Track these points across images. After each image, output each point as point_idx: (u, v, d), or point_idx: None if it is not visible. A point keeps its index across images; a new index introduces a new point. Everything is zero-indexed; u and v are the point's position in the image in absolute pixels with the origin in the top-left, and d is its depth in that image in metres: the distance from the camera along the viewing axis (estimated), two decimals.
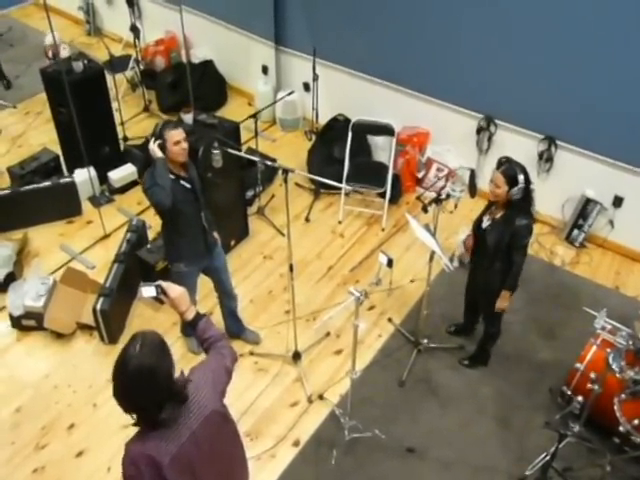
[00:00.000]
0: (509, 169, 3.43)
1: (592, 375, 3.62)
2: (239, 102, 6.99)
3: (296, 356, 4.27)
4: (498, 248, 3.61)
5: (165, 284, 2.37)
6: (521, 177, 3.40)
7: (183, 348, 4.31)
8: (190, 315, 2.40)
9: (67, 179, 5.31)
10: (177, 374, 2.17)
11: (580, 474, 3.64)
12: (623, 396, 3.42)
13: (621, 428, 3.45)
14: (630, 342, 3.49)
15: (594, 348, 3.75)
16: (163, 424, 2.07)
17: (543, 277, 4.97)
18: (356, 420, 3.79)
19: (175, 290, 2.37)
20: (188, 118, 4.62)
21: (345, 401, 3.83)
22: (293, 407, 4.03)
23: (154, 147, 3.41)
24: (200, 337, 2.43)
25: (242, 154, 3.77)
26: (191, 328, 2.45)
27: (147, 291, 2.36)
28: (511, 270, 3.63)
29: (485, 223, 3.70)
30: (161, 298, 2.38)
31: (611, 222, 5.15)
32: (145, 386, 1.99)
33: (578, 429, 3.60)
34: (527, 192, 3.46)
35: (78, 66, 5.20)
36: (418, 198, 3.92)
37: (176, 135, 3.39)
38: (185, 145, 3.43)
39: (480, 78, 5.17)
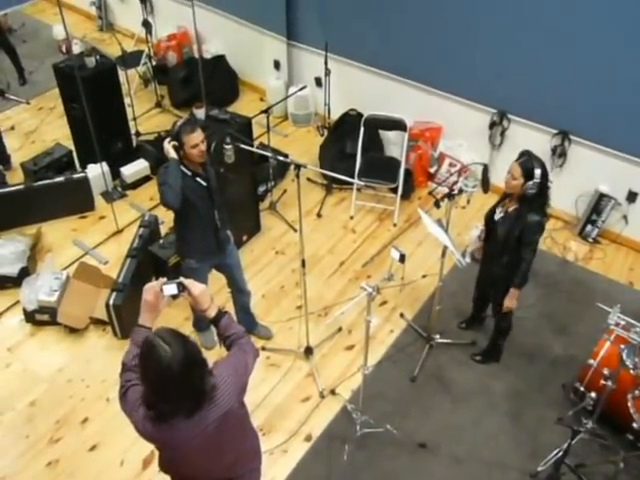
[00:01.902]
0: (527, 162, 3.41)
1: (605, 371, 3.58)
2: (251, 97, 6.99)
3: (308, 351, 4.28)
4: (507, 241, 3.59)
5: (187, 281, 2.36)
6: (538, 172, 3.37)
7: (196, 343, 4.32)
8: (212, 312, 2.41)
9: (80, 174, 5.33)
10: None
11: (593, 470, 3.62)
12: (637, 392, 3.39)
13: (635, 425, 3.43)
14: None
15: (607, 344, 3.73)
16: (208, 396, 2.11)
17: (556, 272, 4.94)
18: (368, 415, 3.79)
19: (197, 287, 2.36)
20: (200, 113, 4.61)
21: (357, 396, 3.83)
22: (305, 402, 4.04)
23: (169, 147, 3.38)
24: (222, 334, 2.43)
25: (254, 149, 3.76)
26: (213, 325, 2.45)
27: (168, 289, 2.33)
28: (519, 267, 3.60)
29: (497, 215, 3.68)
30: (181, 295, 2.37)
31: (625, 217, 5.10)
32: (193, 373, 2.04)
33: (591, 425, 3.58)
34: (543, 189, 3.43)
35: (91, 62, 5.22)
36: (430, 193, 3.92)
37: (194, 138, 3.35)
38: (203, 147, 3.40)
39: (493, 72, 5.13)
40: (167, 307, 4.63)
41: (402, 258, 3.13)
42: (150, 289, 2.34)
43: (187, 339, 2.10)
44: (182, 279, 2.37)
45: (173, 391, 2.05)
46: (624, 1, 4.30)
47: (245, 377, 2.33)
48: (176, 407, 2.08)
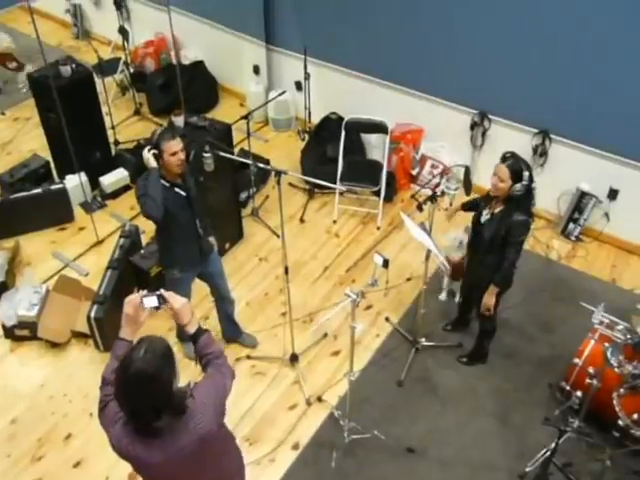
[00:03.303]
0: (515, 164, 3.39)
1: (590, 370, 3.60)
2: (231, 103, 6.95)
3: (293, 358, 4.24)
4: (493, 242, 3.58)
5: (167, 294, 2.31)
6: (526, 174, 3.37)
7: (179, 354, 4.27)
8: (192, 328, 2.36)
9: (58, 185, 5.26)
10: (182, 384, 2.14)
11: (581, 469, 3.63)
12: (622, 390, 3.40)
13: (620, 422, 3.44)
14: (628, 336, 3.47)
15: (592, 343, 3.74)
16: (156, 433, 2.04)
17: (540, 272, 4.95)
18: (355, 421, 3.76)
19: (178, 301, 2.32)
20: (179, 121, 4.57)
21: (344, 403, 3.80)
22: (292, 410, 4.01)
23: (149, 156, 3.33)
24: (200, 352, 2.37)
25: (234, 157, 3.72)
26: (192, 342, 2.39)
27: (149, 301, 2.29)
28: (502, 266, 3.59)
29: (484, 217, 3.67)
30: (162, 308, 2.33)
31: (607, 215, 5.13)
32: (143, 391, 1.98)
33: (577, 424, 3.59)
34: (529, 190, 3.43)
35: (66, 70, 5.15)
36: (413, 197, 3.89)
37: (173, 146, 3.31)
38: (182, 156, 3.36)
39: (473, 73, 5.14)
40: (150, 318, 4.58)
41: (385, 263, 3.11)
42: (130, 302, 2.30)
43: (168, 366, 2.04)
44: (162, 291, 2.33)
45: (121, 396, 2.00)
46: (602, 2, 4.32)
47: (224, 399, 2.28)
48: (147, 418, 2.02)
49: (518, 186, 3.38)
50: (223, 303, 4.18)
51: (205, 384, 2.25)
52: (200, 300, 4.50)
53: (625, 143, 4.70)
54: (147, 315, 2.32)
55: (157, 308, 2.34)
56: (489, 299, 3.72)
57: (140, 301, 2.28)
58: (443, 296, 4.71)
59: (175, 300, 2.31)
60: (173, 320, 2.39)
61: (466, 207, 3.90)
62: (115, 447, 2.13)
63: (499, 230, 3.51)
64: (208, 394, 2.19)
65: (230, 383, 2.36)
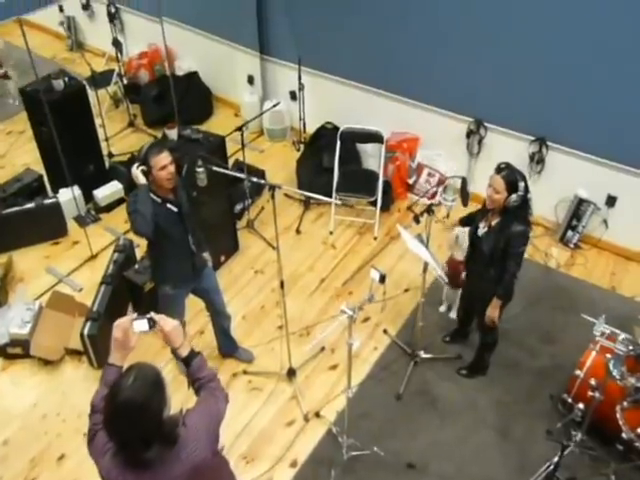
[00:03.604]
0: (510, 175, 3.34)
1: (592, 382, 3.54)
2: (226, 113, 6.92)
3: (291, 373, 4.18)
4: (493, 255, 3.53)
5: (158, 317, 2.25)
6: (521, 184, 3.32)
7: (175, 371, 4.20)
8: (184, 351, 2.29)
9: (51, 199, 5.21)
10: (174, 411, 2.07)
11: None
12: (625, 404, 3.34)
13: (624, 435, 3.37)
14: (630, 347, 3.41)
15: (593, 354, 3.68)
16: (147, 464, 1.97)
17: (539, 280, 4.89)
18: (354, 437, 3.70)
19: (169, 324, 2.25)
20: (172, 134, 4.53)
21: (342, 418, 3.73)
22: (289, 426, 3.94)
23: (137, 173, 3.25)
24: (192, 376, 2.31)
25: (227, 171, 3.67)
26: (184, 365, 2.32)
27: (139, 325, 2.23)
28: (503, 278, 3.55)
29: (481, 230, 3.61)
30: (153, 331, 2.26)
31: (605, 222, 5.08)
32: (131, 422, 1.91)
33: (580, 437, 3.52)
34: (525, 200, 3.38)
35: (59, 84, 5.11)
36: (409, 208, 3.84)
37: (162, 160, 3.25)
38: (172, 169, 3.29)
39: (468, 81, 5.10)
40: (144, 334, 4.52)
41: (382, 279, 3.05)
42: (119, 326, 2.23)
43: (158, 395, 1.97)
44: (153, 314, 2.27)
45: (109, 424, 1.93)
46: (596, 8, 4.29)
47: (218, 426, 2.21)
48: (137, 448, 1.95)
49: (514, 197, 3.33)
50: (219, 318, 4.12)
51: (198, 410, 2.18)
52: (195, 314, 4.44)
53: (623, 149, 4.66)
54: (137, 339, 2.25)
55: (150, 330, 2.28)
56: (493, 312, 3.66)
57: (130, 325, 2.22)
58: (443, 308, 4.65)
59: (166, 323, 2.25)
60: (165, 343, 2.32)
61: (464, 222, 3.84)
62: (105, 479, 2.06)
63: (498, 242, 3.46)
64: (201, 421, 2.12)
65: (224, 407, 2.30)
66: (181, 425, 2.04)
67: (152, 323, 2.24)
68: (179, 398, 2.16)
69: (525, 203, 3.41)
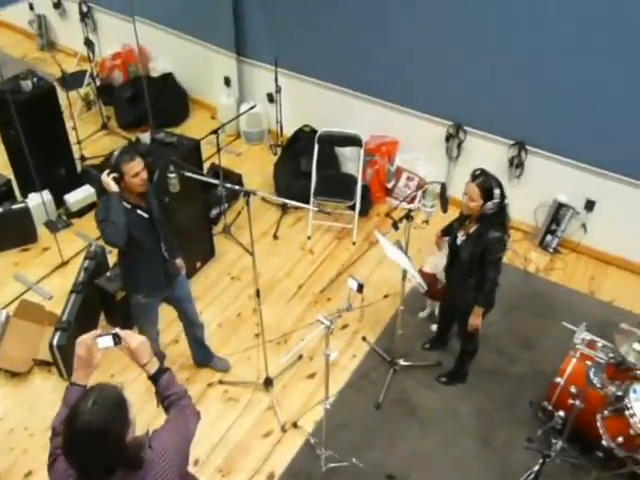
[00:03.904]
0: (485, 182, 3.29)
1: (573, 389, 3.51)
2: (202, 116, 6.79)
3: (268, 382, 4.09)
4: (472, 263, 3.49)
5: (123, 333, 2.14)
6: (497, 191, 3.27)
7: (146, 383, 4.01)
8: (152, 369, 2.18)
9: (20, 204, 5.05)
10: (139, 433, 1.95)
11: None
12: (606, 413, 3.30)
13: (604, 443, 3.34)
14: (610, 355, 3.38)
15: (574, 361, 3.64)
16: None
17: (518, 286, 4.86)
18: (332, 448, 3.61)
19: (135, 340, 2.14)
20: (145, 137, 4.41)
21: (320, 429, 3.64)
22: (266, 437, 3.85)
23: (108, 180, 3.15)
24: (161, 394, 2.19)
25: (200, 177, 3.56)
26: (152, 382, 2.21)
27: (103, 341, 2.12)
28: (483, 286, 3.50)
29: (460, 239, 3.56)
30: (118, 347, 2.15)
31: (584, 226, 5.07)
32: (90, 448, 1.79)
33: (561, 445, 3.48)
34: (502, 207, 3.33)
35: (27, 85, 4.94)
36: (388, 215, 3.77)
37: (135, 167, 3.15)
38: (145, 175, 3.21)
39: (447, 84, 5.06)
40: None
41: (360, 288, 2.98)
42: (82, 343, 2.11)
43: (119, 418, 1.85)
44: (118, 330, 2.16)
45: (69, 450, 1.80)
46: (574, 11, 4.26)
47: (188, 446, 2.10)
48: (98, 475, 1.83)
49: (490, 204, 3.28)
50: (192, 327, 4.01)
51: (166, 431, 2.07)
52: (169, 323, 4.31)
53: (602, 154, 4.65)
54: (101, 357, 2.14)
55: (114, 346, 2.18)
56: (476, 320, 3.61)
57: (93, 341, 2.11)
58: (424, 314, 4.57)
59: (132, 339, 2.14)
60: (131, 359, 2.21)
61: (445, 232, 3.78)
62: None
63: (476, 249, 3.41)
64: (169, 442, 2.01)
65: (194, 426, 2.19)
66: (147, 448, 1.93)
67: (117, 339, 2.14)
68: (150, 412, 2.04)
69: (502, 210, 3.36)
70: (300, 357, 4.30)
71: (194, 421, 2.20)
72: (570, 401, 3.42)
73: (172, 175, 3.49)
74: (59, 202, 5.38)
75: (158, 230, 3.40)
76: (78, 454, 1.80)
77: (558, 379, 3.64)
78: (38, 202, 5.08)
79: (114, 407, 1.84)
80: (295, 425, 3.90)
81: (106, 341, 2.12)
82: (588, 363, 3.49)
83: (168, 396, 2.19)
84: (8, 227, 4.98)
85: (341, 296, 4.62)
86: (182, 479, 2.06)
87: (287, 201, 3.50)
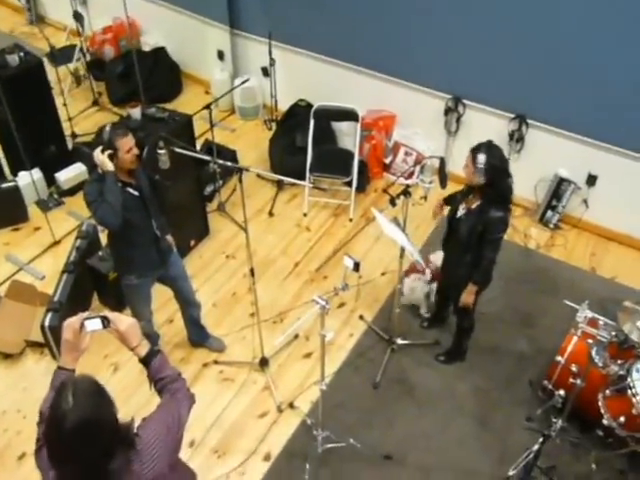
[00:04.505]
0: (476, 148, 3.24)
1: (574, 368, 3.46)
2: (195, 91, 6.65)
3: (263, 362, 4.03)
4: (470, 239, 3.41)
5: (112, 315, 2.07)
6: (481, 157, 3.18)
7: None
8: (142, 351, 2.10)
9: (10, 183, 4.94)
10: (126, 419, 1.88)
11: (565, 471, 3.48)
12: (608, 392, 3.24)
13: (605, 422, 3.29)
14: (613, 334, 3.31)
15: (575, 339, 3.57)
16: (113, 475, 1.79)
17: (518, 262, 4.78)
18: (329, 428, 3.55)
19: (124, 322, 2.07)
20: (136, 113, 4.29)
21: (317, 409, 3.58)
22: (262, 418, 3.80)
23: (103, 158, 3.05)
24: (154, 376, 2.12)
25: (191, 153, 3.45)
26: (143, 365, 2.14)
27: (91, 325, 2.04)
28: (480, 264, 3.41)
29: (460, 212, 3.48)
30: (107, 330, 2.07)
31: (585, 201, 4.97)
32: (89, 441, 1.71)
33: (561, 424, 3.43)
34: (496, 180, 3.23)
35: (13, 60, 4.80)
36: (385, 191, 3.67)
37: (129, 142, 3.08)
38: (136, 151, 3.13)
39: (445, 56, 4.92)
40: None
41: (356, 266, 2.89)
42: (69, 326, 2.03)
43: (104, 401, 1.78)
44: (107, 313, 2.09)
45: (61, 454, 1.73)
46: None
47: (178, 433, 2.03)
48: (100, 464, 1.77)
49: (481, 158, 3.18)
50: (188, 307, 3.94)
51: (155, 419, 1.99)
52: (164, 303, 4.24)
53: (604, 128, 4.54)
54: (89, 341, 2.06)
55: (102, 329, 2.10)
56: (468, 297, 3.55)
57: (81, 325, 2.03)
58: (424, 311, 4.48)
59: (121, 322, 2.06)
60: (121, 342, 2.13)
61: (447, 201, 3.69)
62: None
63: (476, 226, 3.33)
64: (158, 430, 1.94)
65: (187, 411, 2.12)
66: (135, 435, 1.87)
67: (106, 322, 2.06)
68: (145, 394, 1.96)
69: (500, 184, 3.27)
70: (296, 336, 4.24)
71: (187, 405, 2.13)
72: (571, 380, 3.37)
73: (162, 151, 3.38)
74: (50, 180, 5.26)
75: (149, 208, 3.31)
76: (77, 454, 1.72)
77: (559, 358, 3.58)
78: (28, 181, 4.97)
79: (95, 394, 1.77)
80: (291, 405, 3.85)
81: (94, 324, 2.05)
82: (590, 341, 3.42)
83: (160, 379, 2.12)
84: None
85: (338, 274, 4.54)
86: (171, 468, 1.99)
87: (282, 178, 3.38)
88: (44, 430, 1.79)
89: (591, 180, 4.85)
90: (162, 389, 2.13)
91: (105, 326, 2.06)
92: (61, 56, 6.04)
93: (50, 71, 5.44)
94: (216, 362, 4.08)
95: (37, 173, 5.06)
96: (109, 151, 3.06)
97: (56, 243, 4.88)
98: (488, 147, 3.26)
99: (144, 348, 2.11)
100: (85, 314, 2.08)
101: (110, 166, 3.06)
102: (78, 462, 1.74)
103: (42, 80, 5.07)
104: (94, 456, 1.74)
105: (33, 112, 4.95)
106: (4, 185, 4.91)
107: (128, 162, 3.13)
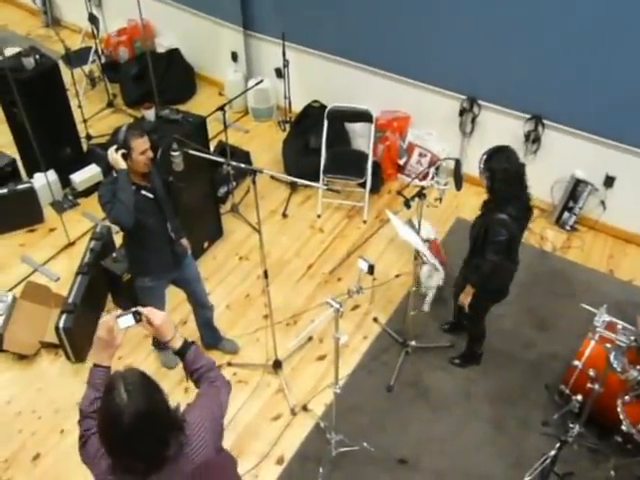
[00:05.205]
0: (486, 151, 3.24)
1: (591, 373, 3.40)
2: (209, 92, 6.65)
3: (277, 365, 4.01)
4: (476, 241, 3.40)
5: (145, 310, 2.08)
6: (483, 160, 3.22)
7: (156, 363, 4.04)
8: (177, 344, 2.13)
9: (25, 185, 4.96)
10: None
11: (583, 478, 3.43)
12: (627, 398, 3.19)
13: (624, 428, 3.23)
14: (632, 338, 3.25)
15: (592, 344, 3.52)
16: (170, 461, 1.83)
17: (534, 264, 4.72)
18: (343, 432, 3.53)
19: (158, 316, 2.09)
20: (150, 114, 4.28)
21: (330, 412, 3.56)
22: (276, 421, 3.78)
23: (117, 157, 3.06)
24: (190, 368, 2.16)
25: (205, 155, 3.44)
26: (179, 357, 2.17)
27: (124, 321, 2.07)
28: (481, 266, 3.38)
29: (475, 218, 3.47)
30: (140, 325, 2.10)
31: (603, 203, 4.91)
32: (148, 432, 1.75)
33: (578, 430, 3.38)
34: (501, 185, 3.21)
35: (29, 62, 4.83)
36: (399, 193, 3.64)
37: (144, 143, 3.08)
38: (151, 154, 3.13)
39: (460, 57, 4.87)
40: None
41: (371, 269, 2.87)
42: (104, 324, 2.06)
43: (155, 391, 1.81)
44: (139, 308, 2.10)
45: (121, 448, 1.76)
46: None
47: (222, 419, 2.06)
48: (128, 466, 1.80)
49: (483, 161, 3.21)
50: (201, 309, 3.94)
51: (199, 405, 2.03)
52: (178, 304, 4.23)
53: (622, 128, 4.47)
54: (123, 336, 2.08)
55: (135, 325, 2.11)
56: (464, 298, 3.55)
57: (114, 322, 2.05)
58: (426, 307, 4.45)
59: (154, 316, 2.08)
60: (155, 336, 2.14)
61: None
62: None
63: (480, 229, 3.33)
64: (203, 416, 1.97)
65: (226, 398, 2.15)
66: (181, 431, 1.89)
67: (138, 316, 2.08)
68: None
69: (503, 187, 3.23)
70: (310, 339, 4.22)
71: (226, 392, 2.16)
72: (588, 385, 3.31)
73: (175, 153, 3.37)
74: (65, 182, 5.29)
75: (164, 210, 3.31)
76: (136, 446, 1.75)
77: (576, 362, 3.53)
78: (43, 182, 4.99)
79: (146, 385, 1.80)
80: (305, 408, 3.83)
81: (127, 320, 2.08)
82: (608, 346, 3.36)
83: (197, 369, 2.16)
84: (14, 208, 4.91)
85: (352, 276, 4.52)
86: (217, 453, 2.02)
87: (296, 180, 3.36)
88: (99, 429, 1.80)
89: (609, 181, 4.79)
90: (199, 378, 2.17)
91: (137, 321, 2.09)
92: (76, 58, 6.07)
93: (65, 73, 5.48)
94: (229, 364, 4.07)
95: (52, 175, 5.09)
96: (123, 150, 3.07)
97: (71, 244, 4.90)
98: (495, 151, 3.26)
99: (179, 340, 2.15)
100: (117, 312, 2.12)
101: (123, 165, 3.07)
102: (138, 454, 1.78)
103: (57, 82, 5.09)
104: (153, 445, 1.78)
105: (48, 114, 4.98)
106: (20, 186, 4.93)
107: (142, 164, 3.12)
